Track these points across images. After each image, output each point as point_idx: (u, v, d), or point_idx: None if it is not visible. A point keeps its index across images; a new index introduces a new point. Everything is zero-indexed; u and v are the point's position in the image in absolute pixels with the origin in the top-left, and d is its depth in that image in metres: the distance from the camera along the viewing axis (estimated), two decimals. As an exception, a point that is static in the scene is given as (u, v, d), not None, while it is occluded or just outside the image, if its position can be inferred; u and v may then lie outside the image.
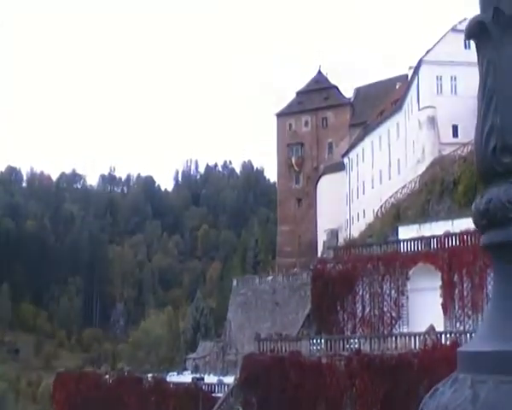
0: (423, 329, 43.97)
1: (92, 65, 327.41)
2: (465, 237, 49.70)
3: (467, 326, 47.96)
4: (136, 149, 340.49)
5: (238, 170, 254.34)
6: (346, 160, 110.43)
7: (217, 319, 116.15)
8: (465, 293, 50.05)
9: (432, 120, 78.47)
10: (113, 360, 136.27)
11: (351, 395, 42.66)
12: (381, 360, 42.56)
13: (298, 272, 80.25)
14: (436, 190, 70.44)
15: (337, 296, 55.32)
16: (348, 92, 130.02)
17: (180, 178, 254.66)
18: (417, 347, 43.21)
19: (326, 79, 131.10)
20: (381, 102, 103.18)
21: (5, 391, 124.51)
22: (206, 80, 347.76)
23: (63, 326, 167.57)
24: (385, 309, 54.08)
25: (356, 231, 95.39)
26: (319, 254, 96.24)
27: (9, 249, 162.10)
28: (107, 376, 66.33)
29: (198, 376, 66.88)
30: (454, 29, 75.35)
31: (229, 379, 57.48)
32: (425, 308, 48.81)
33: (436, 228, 56.09)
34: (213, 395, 55.23)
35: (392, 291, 53.71)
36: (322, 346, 47.83)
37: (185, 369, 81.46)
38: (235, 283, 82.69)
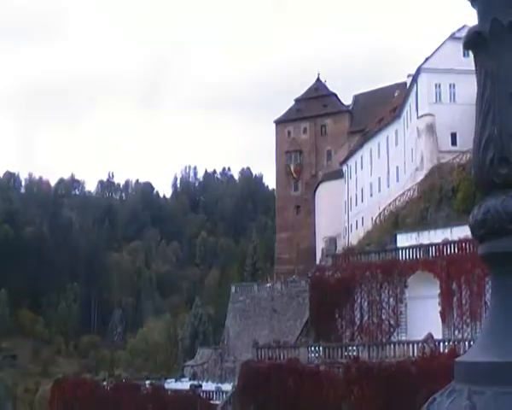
0: (422, 337, 43.93)
1: (91, 67, 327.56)
2: (464, 244, 49.71)
3: (465, 334, 47.92)
4: (134, 155, 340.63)
5: (237, 177, 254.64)
6: (344, 167, 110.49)
7: (215, 326, 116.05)
8: (463, 301, 50.05)
9: (430, 128, 78.54)
10: (111, 366, 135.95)
11: (349, 402, 42.58)
12: (380, 367, 42.51)
13: (296, 280, 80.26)
14: (435, 198, 70.47)
15: (335, 304, 55.30)
16: (347, 100, 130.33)
17: (179, 185, 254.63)
18: (415, 355, 43.17)
19: (325, 87, 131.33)
20: (379, 109, 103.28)
21: (2, 397, 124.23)
22: (205, 85, 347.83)
23: (61, 333, 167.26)
24: (383, 317, 54.07)
25: (354, 238, 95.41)
26: (318, 262, 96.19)
27: (7, 255, 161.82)
28: (105, 382, 66.33)
29: (196, 383, 66.74)
30: (453, 37, 75.47)
31: (228, 386, 57.48)
32: (423, 316, 48.79)
33: (434, 236, 56.14)
34: (211, 402, 55.18)
35: (391, 299, 53.69)
36: (321, 353, 47.78)
37: (183, 376, 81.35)
38: (233, 290, 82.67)
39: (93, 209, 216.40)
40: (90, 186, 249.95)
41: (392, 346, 46.11)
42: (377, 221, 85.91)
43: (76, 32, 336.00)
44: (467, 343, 41.01)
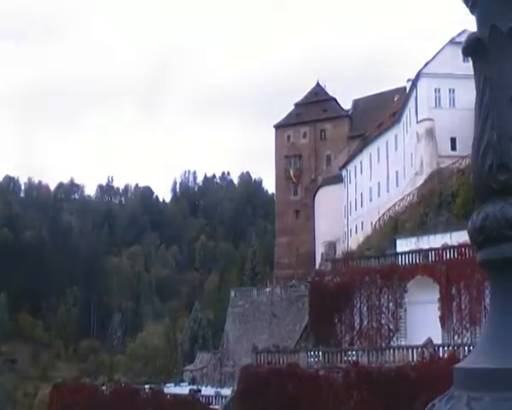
0: (421, 342, 43.91)
1: (91, 70, 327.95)
2: (463, 249, 49.68)
3: (465, 339, 47.89)
4: (133, 160, 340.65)
5: (236, 181, 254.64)
6: (344, 172, 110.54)
7: (214, 330, 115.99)
8: (463, 306, 50.02)
9: (430, 133, 78.60)
10: (111, 371, 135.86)
11: (348, 407, 42.54)
12: (379, 372, 42.49)
13: (296, 284, 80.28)
14: (434, 203, 70.49)
15: (335, 309, 55.27)
16: (346, 104, 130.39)
17: (178, 189, 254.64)
18: (415, 359, 43.16)
19: (324, 91, 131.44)
20: (379, 114, 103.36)
21: (2, 401, 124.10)
22: (204, 89, 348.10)
23: (60, 337, 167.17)
24: (383, 322, 54.04)
25: (354, 243, 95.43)
26: (317, 267, 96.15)
27: (7, 259, 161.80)
28: (104, 387, 66.29)
29: (195, 387, 66.71)
30: (452, 42, 75.48)
31: (227, 391, 57.45)
32: (423, 321, 48.76)
33: (434, 241, 56.14)
34: (211, 406, 55.15)
35: (390, 304, 53.66)
36: (320, 358, 47.76)
37: (182, 381, 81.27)
38: (232, 294, 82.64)
39: (92, 213, 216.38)
40: (90, 190, 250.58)
41: (391, 351, 46.08)
42: (377, 226, 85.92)
43: (76, 34, 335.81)
44: (466, 348, 40.98)
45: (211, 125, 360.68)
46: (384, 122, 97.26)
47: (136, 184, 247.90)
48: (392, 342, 51.50)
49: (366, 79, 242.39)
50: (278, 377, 45.70)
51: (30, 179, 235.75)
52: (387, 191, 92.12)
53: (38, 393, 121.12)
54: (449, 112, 77.09)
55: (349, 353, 47.77)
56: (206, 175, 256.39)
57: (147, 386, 65.12)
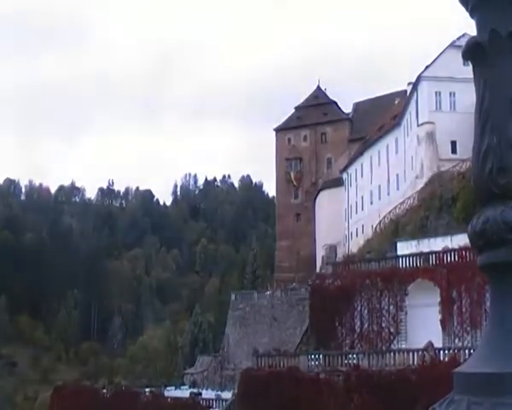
0: (422, 345, 43.85)
1: (92, 72, 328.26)
2: (464, 252, 49.62)
3: (465, 342, 47.83)
4: (134, 163, 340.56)
5: (237, 184, 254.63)
6: (344, 175, 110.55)
7: (215, 333, 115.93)
8: (464, 309, 49.98)
9: (431, 136, 78.61)
10: (111, 374, 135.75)
11: (349, 411, 42.51)
12: (380, 375, 42.43)
13: (296, 288, 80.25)
14: (435, 206, 70.48)
15: (335, 312, 55.22)
16: (347, 107, 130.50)
17: (179, 193, 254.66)
18: (416, 363, 43.08)
19: (325, 95, 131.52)
20: (379, 117, 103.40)
21: (2, 405, 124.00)
22: (205, 92, 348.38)
23: (61, 340, 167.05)
24: (383, 325, 53.99)
25: (355, 246, 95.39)
26: (318, 270, 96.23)
27: (7, 262, 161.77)
28: (105, 390, 66.26)
29: (196, 391, 66.69)
30: (453, 45, 75.50)
31: (227, 394, 57.38)
32: (423, 324, 48.72)
33: (435, 244, 56.11)
34: (211, 410, 55.12)
35: (391, 307, 53.62)
36: (321, 361, 47.68)
37: (183, 384, 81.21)
38: (233, 297, 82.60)
39: (93, 216, 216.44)
40: (91, 193, 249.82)
41: (392, 354, 46.01)
42: (377, 229, 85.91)
43: (76, 37, 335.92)
44: (467, 352, 40.93)
45: (211, 129, 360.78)
46: (384, 125, 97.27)
47: (137, 187, 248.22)
48: (392, 346, 51.44)
49: (367, 81, 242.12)
50: (279, 380, 45.65)
51: (31, 182, 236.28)
52: (388, 194, 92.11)
53: (39, 396, 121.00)
54: (449, 115, 77.08)
55: (350, 356, 47.71)
56: (206, 178, 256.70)
57: (147, 389, 65.12)
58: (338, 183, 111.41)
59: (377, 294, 54.21)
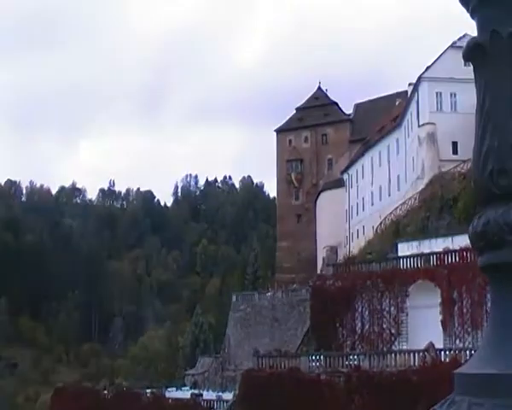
0: (423, 346, 43.86)
1: (92, 72, 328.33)
2: (465, 253, 49.64)
3: (466, 343, 47.85)
4: (135, 163, 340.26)
5: (238, 185, 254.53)
6: (345, 176, 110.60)
7: (216, 334, 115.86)
8: (464, 310, 49.99)
9: (431, 137, 78.63)
10: (112, 375, 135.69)
11: (350, 411, 42.51)
12: (381, 376, 42.43)
13: (297, 289, 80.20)
14: (436, 207, 70.50)
15: (336, 313, 55.25)
16: (348, 108, 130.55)
17: (179, 193, 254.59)
18: (417, 364, 43.09)
19: (326, 95, 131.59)
20: (380, 118, 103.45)
21: (2, 406, 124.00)
22: (205, 93, 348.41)
23: (62, 341, 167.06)
24: (384, 326, 54.00)
25: (355, 247, 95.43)
26: (318, 271, 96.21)
27: (8, 263, 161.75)
28: (106, 391, 66.23)
29: (197, 392, 66.67)
30: (453, 46, 75.54)
31: (228, 395, 57.40)
32: (424, 325, 48.74)
33: (435, 245, 56.14)
34: (212, 411, 55.12)
35: (392, 308, 53.64)
36: (322, 362, 47.70)
37: (184, 385, 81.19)
38: (234, 298, 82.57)
39: (94, 217, 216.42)
40: (91, 194, 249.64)
41: (393, 355, 46.03)
42: (378, 230, 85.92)
43: (77, 37, 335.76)
44: (468, 352, 40.95)
45: (212, 129, 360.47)
46: (385, 126, 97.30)
47: (138, 188, 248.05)
48: (393, 347, 51.47)
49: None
50: (280, 381, 45.66)
51: (31, 183, 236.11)
52: (389, 195, 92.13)
53: (40, 397, 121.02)
54: (450, 116, 77.08)
55: (350, 357, 47.73)
56: (207, 179, 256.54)
57: (148, 390, 65.09)
58: (339, 184, 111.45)
59: (378, 295, 54.24)
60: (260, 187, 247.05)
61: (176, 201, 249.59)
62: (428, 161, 78.54)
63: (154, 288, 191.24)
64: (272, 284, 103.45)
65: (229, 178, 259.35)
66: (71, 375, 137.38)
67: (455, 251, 51.49)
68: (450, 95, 78.71)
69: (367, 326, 54.61)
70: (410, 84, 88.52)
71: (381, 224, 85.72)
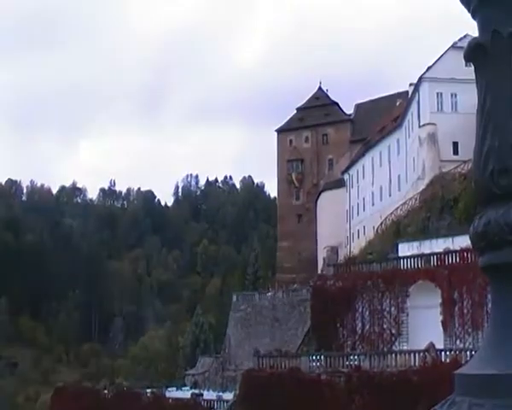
0: (423, 346, 43.86)
1: (93, 72, 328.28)
2: (465, 254, 49.64)
3: (467, 344, 47.85)
4: (136, 163, 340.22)
5: (238, 185, 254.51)
6: (346, 176, 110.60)
7: (216, 334, 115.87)
8: (465, 310, 49.99)
9: (432, 137, 78.63)
10: (112, 375, 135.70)
11: (350, 412, 42.50)
12: (381, 377, 42.43)
13: (298, 289, 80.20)
14: (436, 207, 70.49)
15: (337, 313, 55.25)
16: (349, 109, 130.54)
17: (180, 193, 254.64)
18: (417, 364, 43.09)
19: (326, 96, 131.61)
20: (381, 118, 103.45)
21: (3, 405, 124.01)
22: (206, 93, 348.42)
23: (62, 341, 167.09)
24: (385, 326, 54.01)
25: (356, 247, 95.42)
26: (319, 271, 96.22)
27: (8, 263, 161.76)
28: (106, 391, 66.23)
29: (197, 392, 66.65)
30: (454, 46, 75.51)
31: (229, 395, 57.42)
32: (425, 326, 48.74)
33: (436, 245, 56.12)
34: (212, 411, 55.12)
35: (392, 308, 53.64)
36: (322, 362, 47.70)
37: (184, 385, 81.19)
38: (234, 298, 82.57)
39: (94, 217, 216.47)
40: (92, 194, 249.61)
41: (393, 355, 46.04)
42: (379, 230, 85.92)
43: (77, 38, 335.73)
44: (468, 353, 40.93)
45: (213, 129, 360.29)
46: (386, 126, 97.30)
47: (139, 188, 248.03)
48: (394, 347, 51.47)
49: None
50: (280, 381, 45.65)
51: (32, 183, 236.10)
52: (389, 196, 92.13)
53: (40, 397, 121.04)
54: (451, 116, 77.06)
55: (351, 357, 47.73)
56: (208, 179, 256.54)
57: (148, 390, 65.07)
58: (339, 184, 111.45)
59: (378, 295, 54.24)
60: (261, 187, 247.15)
61: (176, 201, 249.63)
62: (429, 162, 78.53)
63: (154, 288, 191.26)
64: (273, 284, 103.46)
65: (230, 178, 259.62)
66: (71, 375, 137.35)
67: (455, 252, 51.49)
68: (451, 95, 78.70)
69: (367, 326, 54.62)
70: (410, 85, 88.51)
71: (381, 224, 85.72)
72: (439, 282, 50.98)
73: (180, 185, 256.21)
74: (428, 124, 79.30)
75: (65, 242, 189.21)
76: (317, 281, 62.04)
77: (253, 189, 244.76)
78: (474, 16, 2.27)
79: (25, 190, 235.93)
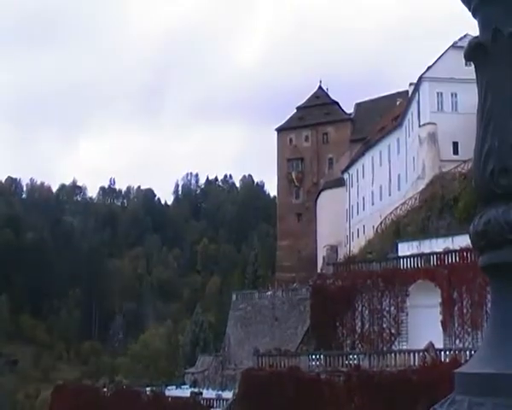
0: (423, 346, 43.86)
1: (93, 71, 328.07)
2: (465, 253, 49.64)
3: (466, 343, 47.85)
4: (136, 162, 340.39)
5: (238, 184, 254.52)
6: (346, 175, 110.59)
7: (216, 333, 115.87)
8: (465, 310, 49.99)
9: (432, 137, 78.61)
10: (112, 373, 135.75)
11: (349, 411, 42.51)
12: (381, 376, 42.42)
13: (297, 288, 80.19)
14: (436, 207, 70.48)
15: (336, 312, 55.25)
16: (349, 108, 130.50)
17: (180, 192, 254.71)
18: (416, 364, 43.07)
19: (327, 95, 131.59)
20: (381, 118, 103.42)
21: (3, 402, 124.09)
22: (206, 91, 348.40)
23: (62, 338, 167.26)
24: (384, 326, 54.00)
25: (356, 247, 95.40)
26: (319, 270, 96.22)
27: (9, 261, 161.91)
28: (106, 389, 66.27)
29: (197, 390, 66.66)
30: (455, 46, 75.52)
31: (228, 394, 57.39)
32: (424, 325, 48.73)
33: (436, 245, 56.12)
34: (212, 409, 55.08)
35: (392, 308, 53.63)
36: (322, 362, 47.69)
37: (184, 383, 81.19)
38: (234, 297, 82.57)
39: (94, 215, 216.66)
40: (92, 192, 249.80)
41: (393, 355, 46.02)
42: (378, 230, 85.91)
43: (77, 38, 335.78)
44: (468, 353, 40.93)
45: (213, 128, 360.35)
46: (386, 126, 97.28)
47: (139, 187, 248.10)
48: (393, 346, 51.46)
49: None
50: (279, 380, 45.64)
51: (32, 181, 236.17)
52: (389, 195, 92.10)
53: (40, 395, 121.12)
54: (451, 116, 77.05)
55: (350, 356, 47.72)
56: (208, 178, 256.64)
57: (148, 388, 65.09)
58: (339, 183, 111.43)
59: (378, 294, 54.23)
60: (261, 186, 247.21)
61: (176, 199, 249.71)
62: (429, 161, 78.52)
63: (154, 286, 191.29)
64: (272, 282, 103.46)
65: (230, 176, 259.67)
66: (71, 372, 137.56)
67: (455, 251, 51.49)
68: (451, 95, 78.68)
69: (367, 326, 54.62)
70: (410, 84, 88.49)
71: (381, 223, 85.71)
72: (439, 281, 50.98)
73: (180, 184, 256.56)
74: (428, 123, 79.28)
75: (65, 240, 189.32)
76: (316, 280, 62.03)
77: (252, 188, 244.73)
78: (474, 15, 2.27)
79: (25, 188, 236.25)
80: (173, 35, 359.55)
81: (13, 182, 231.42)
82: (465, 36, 69.02)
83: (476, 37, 2.24)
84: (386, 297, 53.88)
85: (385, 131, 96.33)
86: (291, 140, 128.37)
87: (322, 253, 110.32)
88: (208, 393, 64.11)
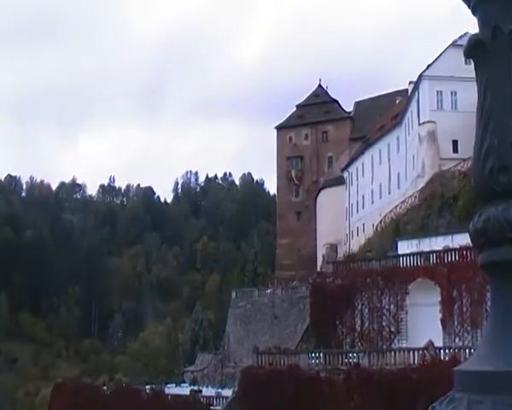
0: (422, 344, 43.88)
1: (93, 69, 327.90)
2: (464, 252, 49.65)
3: (466, 342, 47.86)
4: (135, 160, 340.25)
5: (238, 182, 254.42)
6: (345, 174, 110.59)
7: (215, 331, 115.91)
8: (464, 308, 50.00)
9: (432, 135, 78.60)
10: (111, 371, 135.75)
11: (349, 409, 42.51)
12: (380, 374, 42.43)
13: (297, 286, 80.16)
14: (436, 205, 70.49)
15: (336, 310, 55.25)
16: (348, 106, 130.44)
17: (180, 190, 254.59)
18: (416, 362, 43.10)
19: (326, 93, 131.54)
20: (381, 116, 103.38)
21: (2, 401, 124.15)
22: (206, 89, 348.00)
23: (62, 336, 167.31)
24: (384, 324, 54.01)
25: (355, 245, 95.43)
26: (318, 268, 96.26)
27: (8, 259, 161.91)
28: (105, 387, 66.28)
29: (196, 388, 66.64)
30: (454, 44, 75.52)
31: (228, 392, 57.39)
32: (424, 323, 48.75)
33: (435, 243, 56.12)
34: (211, 407, 55.08)
35: (392, 306, 53.64)
36: (321, 360, 47.72)
37: (183, 381, 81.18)
38: (234, 295, 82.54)
39: (94, 213, 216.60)
40: (92, 190, 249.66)
41: (392, 353, 46.05)
42: (378, 228, 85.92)
43: (77, 37, 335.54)
44: (467, 351, 40.98)
45: (212, 126, 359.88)
46: (386, 124, 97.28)
47: (138, 184, 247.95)
48: (393, 345, 51.48)
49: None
50: (279, 378, 45.67)
51: (32, 178, 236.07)
52: (389, 193, 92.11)
53: (39, 393, 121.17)
54: (451, 114, 77.04)
55: (350, 355, 47.75)
56: (207, 176, 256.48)
57: (148, 386, 65.09)
58: (339, 181, 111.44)
59: (378, 293, 54.24)
60: (260, 184, 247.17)
61: (176, 197, 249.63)
62: (429, 160, 78.51)
63: (153, 284, 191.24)
64: (272, 281, 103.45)
65: (230, 174, 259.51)
66: (70, 370, 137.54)
67: (455, 250, 51.50)
68: (451, 93, 78.67)
69: (366, 324, 54.63)
70: (410, 83, 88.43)
71: (381, 222, 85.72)
72: (439, 280, 50.99)
73: (180, 182, 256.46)
74: (428, 122, 79.26)
75: (65, 238, 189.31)
76: (316, 278, 62.07)
77: (252, 186, 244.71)
78: (474, 13, 2.27)
79: (24, 186, 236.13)
80: (173, 35, 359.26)
81: (12, 180, 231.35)
82: (465, 34, 69.01)
83: (476, 34, 2.23)
84: (386, 295, 53.89)
85: (384, 130, 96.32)
86: (291, 138, 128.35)
87: (321, 251, 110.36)
88: (208, 391, 64.09)
